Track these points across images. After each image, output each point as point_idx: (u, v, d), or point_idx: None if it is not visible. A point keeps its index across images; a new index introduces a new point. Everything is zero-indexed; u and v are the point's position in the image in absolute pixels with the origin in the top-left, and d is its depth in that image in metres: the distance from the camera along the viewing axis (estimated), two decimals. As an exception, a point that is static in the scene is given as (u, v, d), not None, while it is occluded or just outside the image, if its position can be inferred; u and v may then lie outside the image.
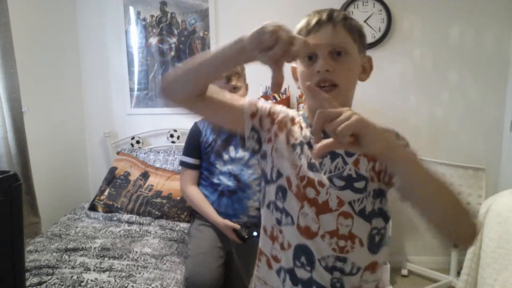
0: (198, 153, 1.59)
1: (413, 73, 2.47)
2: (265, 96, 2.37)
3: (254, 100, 0.86)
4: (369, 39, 2.47)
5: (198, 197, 1.59)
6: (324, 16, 0.75)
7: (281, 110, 0.87)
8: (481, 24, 2.35)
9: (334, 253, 0.76)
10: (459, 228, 0.65)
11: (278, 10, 2.51)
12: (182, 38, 2.58)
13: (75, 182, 2.64)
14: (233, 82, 1.46)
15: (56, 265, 1.56)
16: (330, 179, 0.77)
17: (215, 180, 1.57)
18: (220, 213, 1.57)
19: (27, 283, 1.39)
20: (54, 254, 1.66)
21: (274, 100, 2.31)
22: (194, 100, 0.75)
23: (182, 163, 1.64)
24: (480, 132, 2.44)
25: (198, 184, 1.67)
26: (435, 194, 0.62)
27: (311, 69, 0.76)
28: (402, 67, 2.49)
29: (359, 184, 0.75)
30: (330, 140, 0.59)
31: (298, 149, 0.80)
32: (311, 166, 0.78)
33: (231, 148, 1.57)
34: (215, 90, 0.78)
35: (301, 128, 0.83)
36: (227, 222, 1.53)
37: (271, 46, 0.59)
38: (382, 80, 2.51)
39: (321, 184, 0.77)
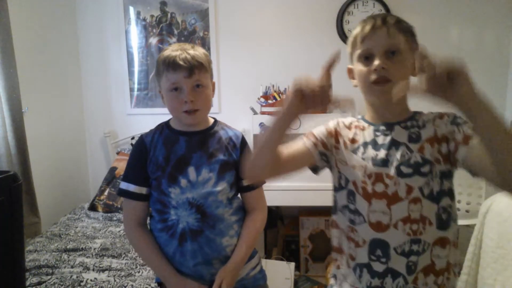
0: (144, 178, 1.08)
1: (413, 73, 2.47)
2: (265, 96, 2.37)
3: (309, 133, 0.97)
4: (369, 39, 2.47)
5: (147, 245, 1.09)
6: (378, 21, 0.86)
7: (332, 123, 0.98)
8: (481, 24, 2.35)
9: (408, 237, 0.83)
10: None
11: (278, 10, 2.50)
12: (182, 38, 2.58)
13: (75, 182, 2.64)
14: (196, 76, 1.02)
15: (55, 265, 1.56)
16: (397, 168, 0.84)
17: (172, 216, 1.06)
18: (187, 268, 1.08)
19: (27, 283, 1.40)
20: (54, 254, 1.66)
21: (274, 100, 2.31)
22: (275, 167, 0.86)
23: (121, 192, 1.10)
24: (480, 132, 2.44)
25: (153, 222, 1.14)
26: (509, 142, 0.66)
27: (368, 68, 0.86)
28: (402, 67, 2.49)
29: (425, 168, 0.83)
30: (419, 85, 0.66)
31: (361, 151, 0.90)
32: (377, 163, 0.87)
33: (191, 169, 1.06)
34: (282, 152, 0.88)
35: (363, 129, 0.93)
36: (190, 284, 1.06)
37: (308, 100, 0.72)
38: (382, 80, 2.52)
39: (389, 176, 0.85)
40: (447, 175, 0.85)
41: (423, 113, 0.90)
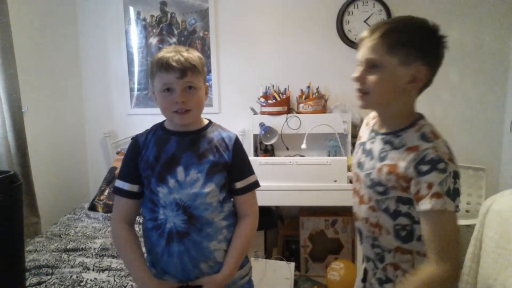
0: (136, 176, 1.10)
1: (413, 73, 2.47)
2: (265, 96, 2.37)
3: None
4: (369, 39, 2.47)
5: (124, 241, 1.08)
6: (365, 32, 0.88)
7: (365, 119, 1.09)
8: (481, 24, 2.35)
9: (370, 234, 0.96)
10: None
11: (278, 10, 2.50)
12: (182, 38, 2.58)
13: (75, 182, 2.64)
14: (188, 78, 1.02)
15: (55, 265, 1.56)
16: (364, 176, 0.95)
17: (161, 216, 1.06)
18: (173, 269, 1.07)
19: (27, 283, 1.40)
20: (54, 254, 1.66)
21: (274, 100, 2.31)
22: None
23: (115, 190, 1.12)
24: (480, 132, 2.44)
25: (145, 221, 1.14)
26: None
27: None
28: (402, 67, 2.49)
29: (379, 188, 0.90)
30: None
31: (356, 148, 1.04)
32: (358, 165, 0.99)
33: (180, 169, 1.05)
34: None
35: (368, 128, 1.03)
36: (163, 284, 1.05)
37: None
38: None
39: (359, 180, 0.98)
40: (405, 201, 0.87)
41: (412, 130, 0.88)
